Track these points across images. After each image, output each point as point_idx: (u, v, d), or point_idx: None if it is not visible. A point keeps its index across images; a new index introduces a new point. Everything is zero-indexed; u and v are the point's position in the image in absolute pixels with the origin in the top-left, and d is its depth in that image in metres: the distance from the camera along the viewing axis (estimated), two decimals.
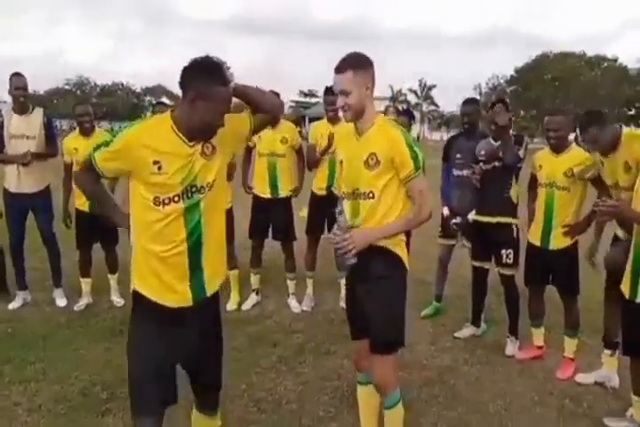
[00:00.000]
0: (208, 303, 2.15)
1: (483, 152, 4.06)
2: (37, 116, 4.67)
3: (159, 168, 1.94)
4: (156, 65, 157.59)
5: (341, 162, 2.48)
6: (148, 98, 64.31)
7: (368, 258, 2.35)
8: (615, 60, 51.68)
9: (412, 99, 74.47)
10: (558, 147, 3.69)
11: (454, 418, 3.10)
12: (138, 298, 2.09)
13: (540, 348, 3.95)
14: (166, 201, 1.97)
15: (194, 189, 2.00)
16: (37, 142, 4.59)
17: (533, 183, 3.93)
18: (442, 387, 3.45)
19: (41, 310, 4.63)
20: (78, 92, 59.78)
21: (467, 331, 4.32)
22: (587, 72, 49.34)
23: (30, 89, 4.85)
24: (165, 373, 2.06)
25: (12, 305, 4.71)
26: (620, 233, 3.32)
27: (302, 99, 70.52)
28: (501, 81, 61.14)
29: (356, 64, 2.30)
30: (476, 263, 4.21)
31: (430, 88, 74.60)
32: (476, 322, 4.34)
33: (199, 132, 1.99)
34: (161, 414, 2.05)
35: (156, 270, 2.03)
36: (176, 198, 1.98)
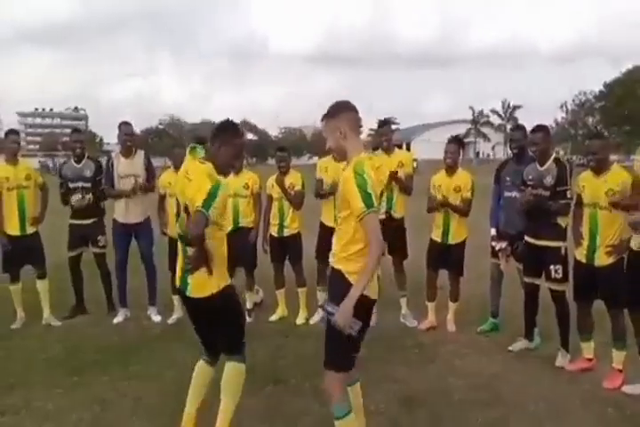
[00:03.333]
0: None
1: (530, 177, 4.35)
2: (140, 157, 5.53)
3: None
4: (241, 100, 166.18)
5: None
6: None
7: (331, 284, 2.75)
8: None
9: (496, 120, 72.40)
10: (598, 168, 3.92)
11: (495, 417, 3.39)
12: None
13: (589, 360, 4.11)
14: None
15: None
16: (141, 180, 5.43)
17: (579, 204, 4.14)
18: (487, 391, 3.74)
19: (140, 324, 5.37)
20: (171, 131, 64.05)
21: (520, 344, 4.54)
22: None
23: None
24: None
25: (116, 320, 5.48)
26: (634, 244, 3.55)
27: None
28: (590, 97, 58.63)
29: (329, 113, 2.67)
30: (528, 279, 4.45)
31: (515, 108, 72.03)
32: (528, 336, 4.55)
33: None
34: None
35: None
36: None
